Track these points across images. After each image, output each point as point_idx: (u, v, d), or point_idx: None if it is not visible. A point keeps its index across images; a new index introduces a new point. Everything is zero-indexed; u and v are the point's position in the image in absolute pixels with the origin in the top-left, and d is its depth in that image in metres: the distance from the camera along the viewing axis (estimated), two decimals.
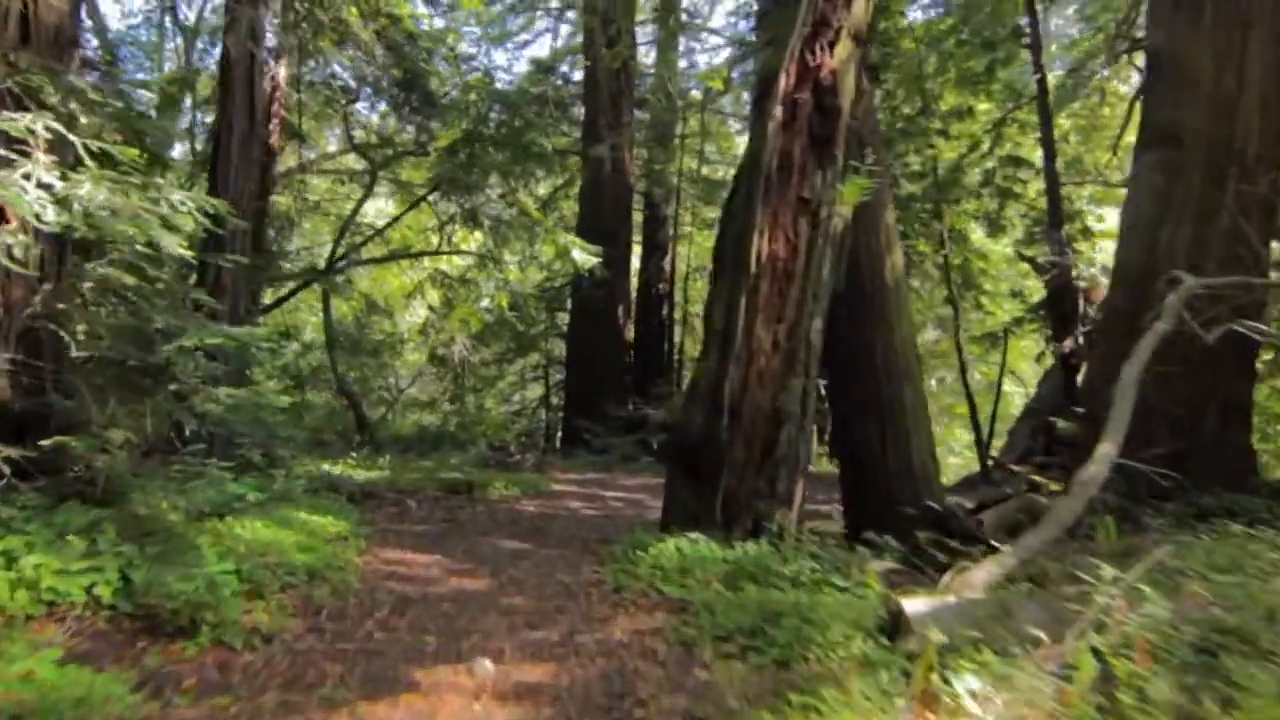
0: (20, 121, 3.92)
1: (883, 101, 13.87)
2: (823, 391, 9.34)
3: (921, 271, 17.19)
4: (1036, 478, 5.39)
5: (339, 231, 15.07)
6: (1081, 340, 12.49)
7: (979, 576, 3.81)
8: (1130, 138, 13.72)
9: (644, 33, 20.07)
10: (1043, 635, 3.00)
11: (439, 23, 15.98)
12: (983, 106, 15.65)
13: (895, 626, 3.39)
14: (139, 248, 4.17)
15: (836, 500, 9.82)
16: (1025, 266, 16.01)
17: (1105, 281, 11.80)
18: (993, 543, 4.41)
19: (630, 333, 17.69)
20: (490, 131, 13.20)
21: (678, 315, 19.11)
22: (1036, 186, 15.14)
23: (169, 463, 4.83)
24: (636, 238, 18.96)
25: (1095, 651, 2.80)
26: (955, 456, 20.63)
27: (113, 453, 5.09)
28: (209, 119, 13.42)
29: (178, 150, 16.32)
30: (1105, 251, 14.58)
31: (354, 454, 11.63)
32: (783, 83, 6.12)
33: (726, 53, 20.04)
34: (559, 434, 17.72)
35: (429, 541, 6.44)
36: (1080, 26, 16.96)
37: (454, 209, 14.41)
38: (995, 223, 15.76)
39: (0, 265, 4.14)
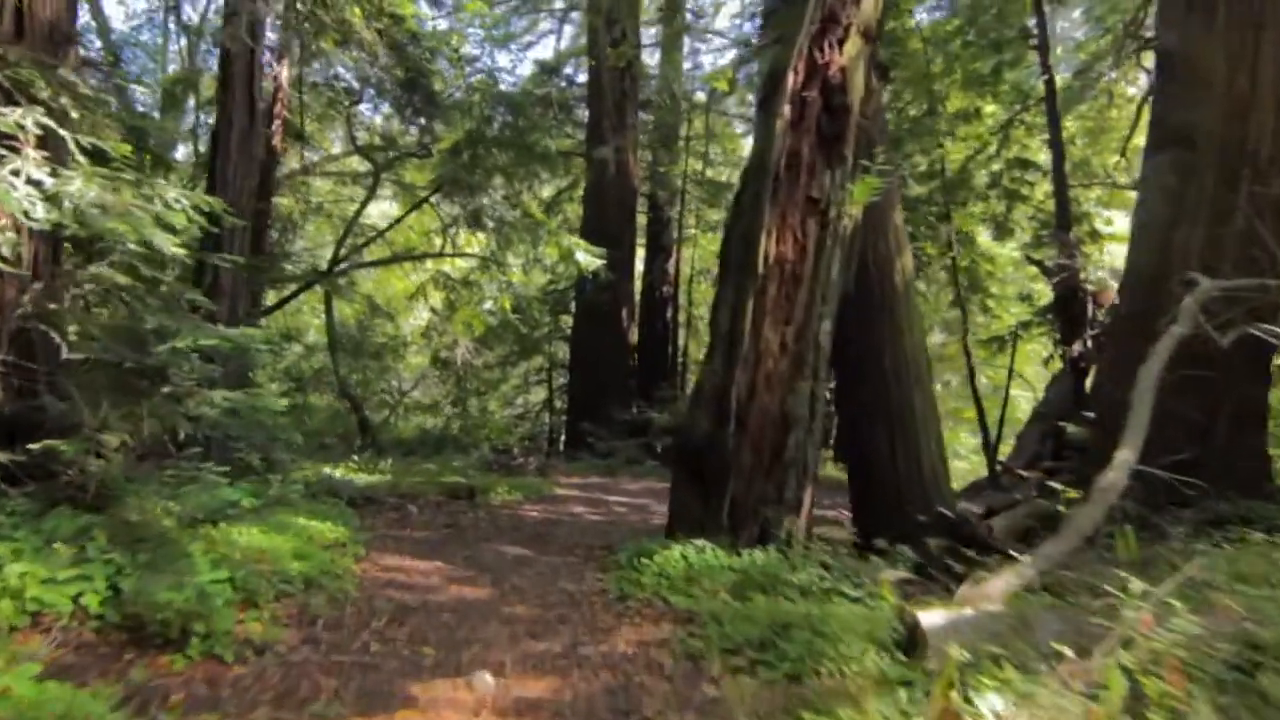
0: (10, 116, 3.81)
1: (890, 103, 13.75)
2: (828, 395, 9.22)
3: (927, 274, 17.05)
4: (1054, 484, 5.25)
5: (342, 233, 14.97)
6: (1090, 344, 12.35)
7: (996, 587, 3.67)
8: (1139, 140, 13.62)
9: (648, 35, 19.99)
10: (1068, 651, 2.87)
11: (443, 24, 15.91)
12: (989, 109, 15.53)
13: (912, 640, 3.26)
14: (132, 246, 4.05)
15: (841, 506, 9.71)
16: (1033, 270, 15.87)
17: (1114, 284, 11.66)
18: (1011, 552, 4.28)
19: (634, 336, 17.56)
20: (494, 132, 13.09)
21: (682, 318, 18.97)
22: (1044, 189, 15.01)
23: (162, 467, 4.72)
24: (640, 240, 18.84)
25: (1123, 669, 2.67)
26: (960, 461, 20.44)
27: (108, 457, 5.00)
28: (213, 120, 13.33)
29: (181, 152, 16.27)
30: (1113, 254, 14.45)
31: (355, 457, 11.53)
32: (791, 80, 6.01)
33: (731, 54, 19.96)
34: (562, 437, 17.60)
35: (429, 548, 6.33)
36: (1085, 30, 16.85)
37: (457, 211, 14.31)
38: (1002, 225, 15.63)
39: None
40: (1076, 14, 17.85)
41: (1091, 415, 9.52)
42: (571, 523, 8.40)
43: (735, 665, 3.55)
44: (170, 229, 3.98)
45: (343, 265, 14.35)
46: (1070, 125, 15.67)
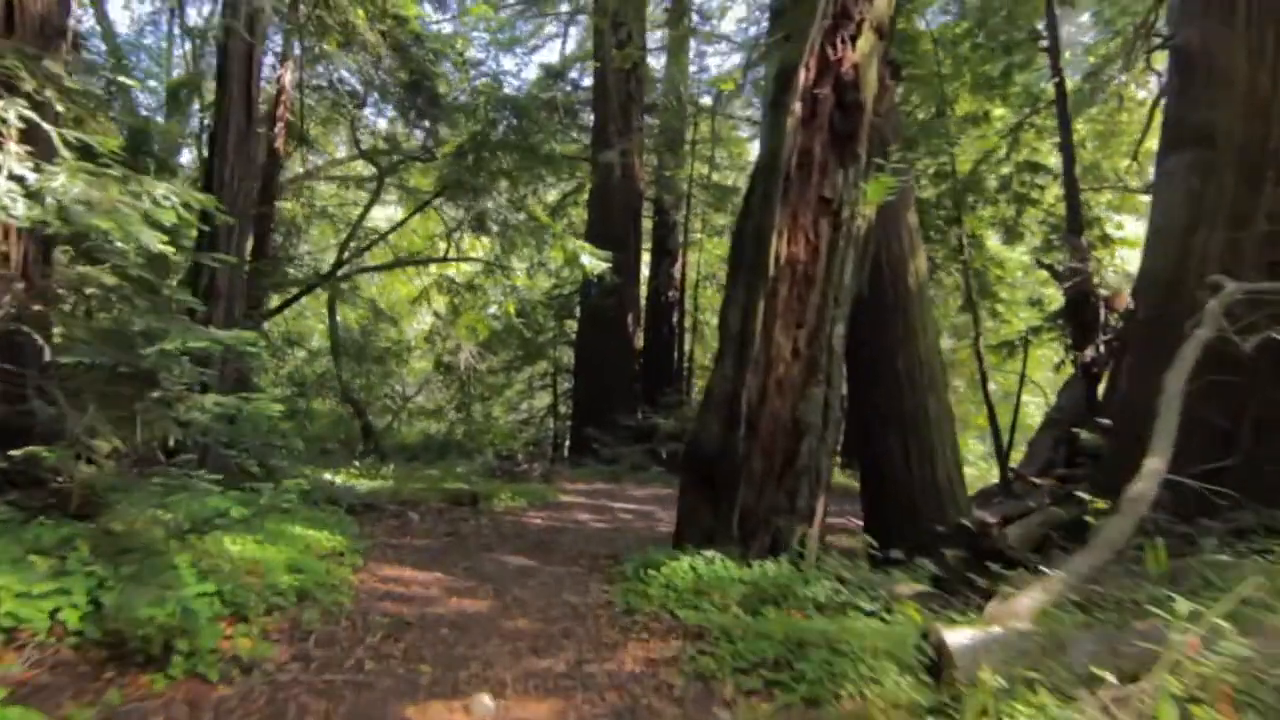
0: None
1: (899, 104, 13.56)
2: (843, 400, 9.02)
3: (936, 279, 16.85)
4: (1081, 493, 5.04)
5: (345, 237, 14.84)
6: (1103, 349, 12.14)
7: (1024, 604, 3.47)
8: (1150, 143, 13.43)
9: (654, 39, 19.86)
10: (1108, 675, 2.68)
11: (447, 28, 15.81)
12: (998, 112, 15.35)
13: (938, 662, 3.06)
14: (120, 244, 3.89)
15: (850, 513, 9.50)
16: (1043, 274, 15.66)
17: (1128, 289, 11.46)
18: (1040, 566, 4.08)
19: (639, 341, 17.39)
20: (498, 135, 12.95)
21: (688, 323, 18.79)
22: (1054, 192, 14.82)
23: (148, 474, 4.55)
24: (646, 245, 18.69)
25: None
26: (968, 467, 20.16)
27: (99, 463, 4.84)
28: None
29: (186, 157, 16.16)
30: (1125, 259, 14.24)
31: (357, 463, 11.37)
32: (802, 77, 5.84)
33: (737, 59, 19.82)
34: (567, 443, 17.42)
35: (430, 557, 6.14)
36: (1093, 34, 16.69)
37: (461, 214, 14.18)
38: (1012, 229, 15.44)
39: None
40: (1084, 18, 17.67)
41: (1106, 422, 9.33)
42: (576, 530, 8.22)
43: (749, 687, 3.35)
44: (159, 227, 3.81)
45: (345, 269, 14.20)
46: (1080, 128, 15.49)
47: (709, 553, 5.11)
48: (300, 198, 16.25)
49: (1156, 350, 7.42)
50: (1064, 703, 2.63)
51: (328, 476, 9.04)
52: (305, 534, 5.39)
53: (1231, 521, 5.81)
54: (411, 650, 3.84)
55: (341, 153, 17.95)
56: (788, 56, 6.08)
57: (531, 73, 29.92)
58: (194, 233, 6.68)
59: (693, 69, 20.05)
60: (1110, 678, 2.69)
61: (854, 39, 5.97)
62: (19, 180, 3.58)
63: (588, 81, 18.51)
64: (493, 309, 18.52)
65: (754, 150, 20.04)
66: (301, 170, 16.66)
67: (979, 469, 19.32)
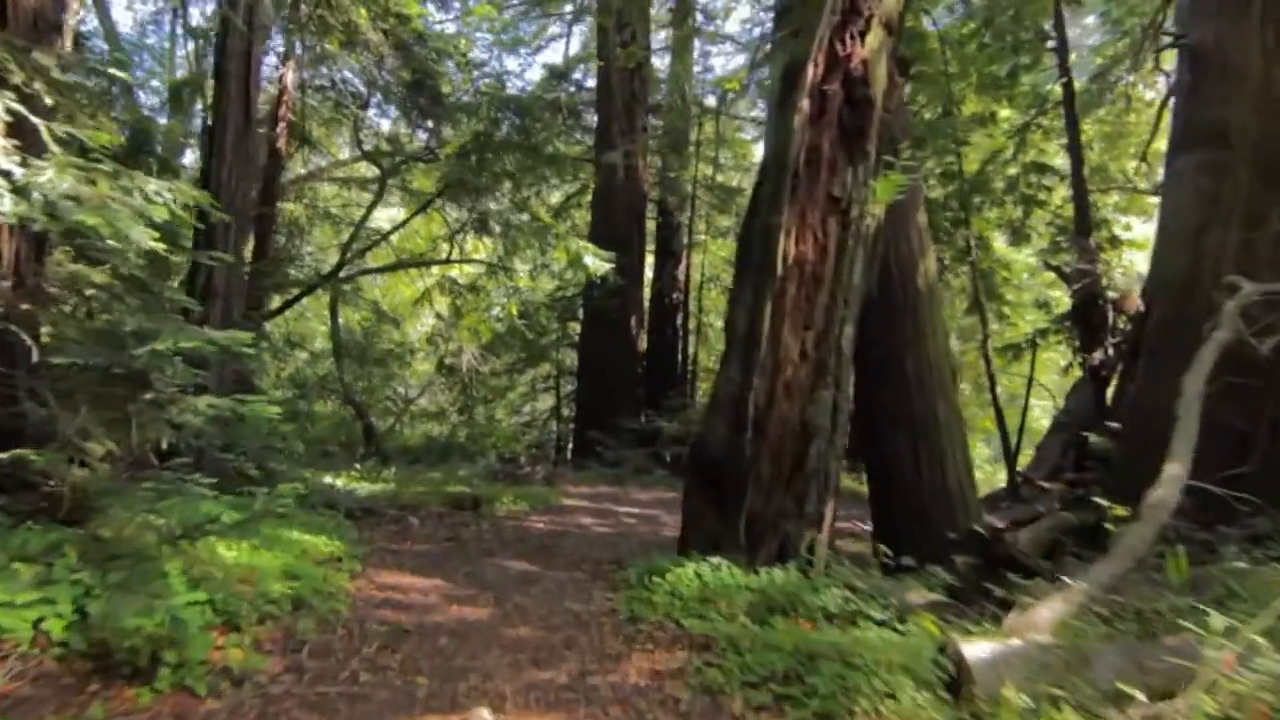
0: None
1: (906, 103, 13.43)
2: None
3: (941, 280, 16.70)
4: (1096, 499, 4.91)
5: (347, 238, 14.74)
6: (1112, 352, 12.01)
7: (1044, 615, 3.34)
8: (1158, 145, 13.29)
9: (658, 40, 19.76)
10: (1138, 694, 2.55)
11: (451, 28, 15.72)
12: (1004, 113, 15.22)
13: (958, 677, 2.94)
14: (110, 242, 3.78)
15: (856, 518, 9.37)
16: (1049, 276, 15.52)
17: (1137, 291, 11.34)
18: (1058, 575, 3.95)
19: (643, 343, 17.27)
20: (501, 135, 12.83)
21: (691, 325, 18.68)
22: (1061, 194, 14.69)
23: (140, 478, 4.44)
24: (650, 246, 18.57)
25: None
26: (975, 471, 20.02)
27: (94, 466, 4.72)
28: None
29: (190, 158, 16.10)
30: (1133, 261, 14.11)
31: (359, 466, 11.26)
32: (810, 73, 5.72)
33: (741, 59, 19.71)
34: (570, 446, 17.29)
35: (429, 563, 6.02)
36: (1099, 35, 16.56)
37: (464, 215, 14.07)
38: (1019, 231, 15.31)
39: None
40: (1090, 20, 17.54)
41: (1116, 425, 9.18)
42: (579, 535, 8.09)
43: (758, 702, 3.23)
44: (153, 224, 3.70)
45: (346, 269, 14.10)
46: (1088, 129, 15.36)
47: (715, 559, 4.98)
48: (303, 199, 16.17)
49: (1170, 352, 7.30)
50: None
51: (328, 480, 8.92)
52: (302, 539, 5.27)
53: (1249, 527, 5.67)
54: (409, 661, 3.72)
55: (344, 154, 17.89)
56: (795, 53, 5.96)
57: (535, 73, 29.83)
58: (192, 232, 6.58)
59: (697, 69, 19.97)
60: (1139, 695, 2.57)
61: (863, 34, 5.85)
62: (5, 175, 3.47)
63: (591, 82, 18.41)
64: (495, 311, 18.40)
65: (758, 151, 19.94)
66: (304, 171, 16.59)
67: (985, 472, 19.16)
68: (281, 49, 13.30)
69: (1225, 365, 5.52)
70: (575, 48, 20.99)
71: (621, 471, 13.99)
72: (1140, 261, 13.46)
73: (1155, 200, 14.14)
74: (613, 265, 10.89)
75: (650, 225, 18.59)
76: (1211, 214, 7.40)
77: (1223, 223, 7.32)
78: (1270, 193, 6.98)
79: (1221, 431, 6.18)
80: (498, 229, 13.62)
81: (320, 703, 3.14)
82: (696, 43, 19.42)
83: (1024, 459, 13.71)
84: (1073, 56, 15.41)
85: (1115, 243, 14.21)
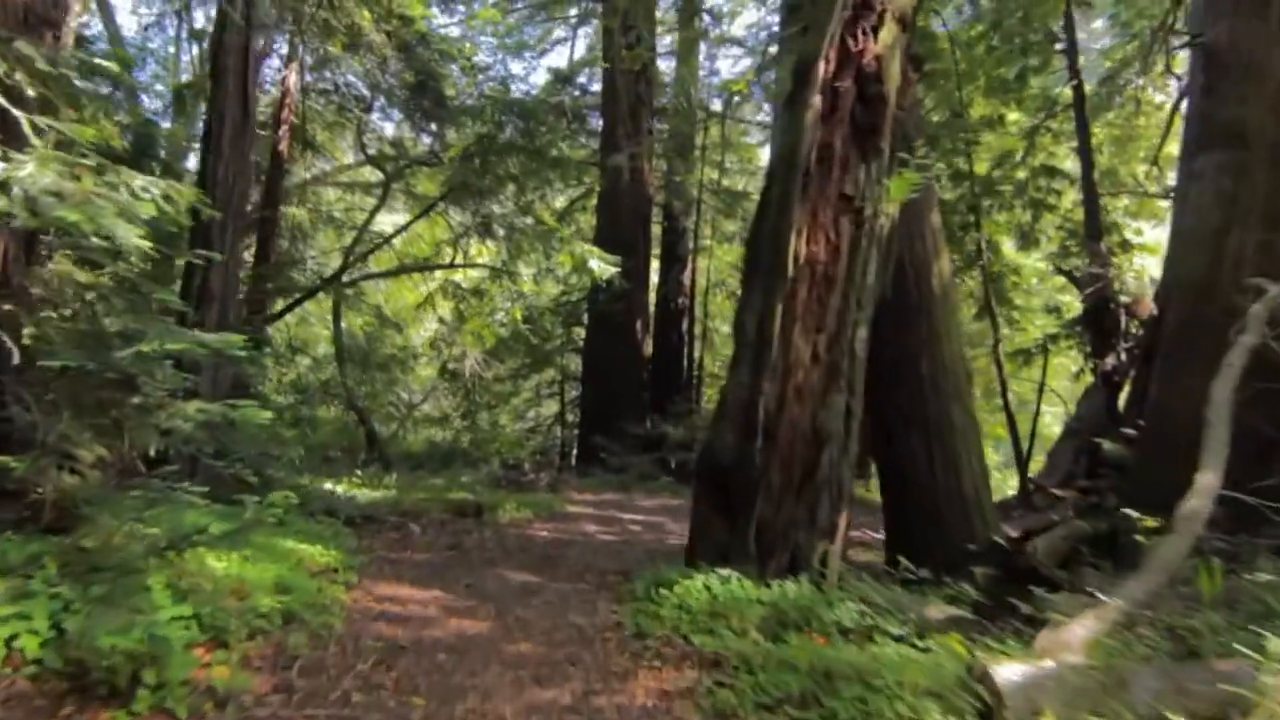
0: None
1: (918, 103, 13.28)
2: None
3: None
4: (1124, 510, 4.71)
5: (350, 242, 14.63)
6: (1124, 357, 11.81)
7: (1077, 634, 3.16)
8: (1170, 148, 13.11)
9: (664, 43, 19.66)
10: None
11: (455, 32, 15.62)
12: (1012, 116, 15.06)
13: (991, 703, 2.75)
14: (95, 240, 3.62)
15: (867, 526, 9.17)
16: (1059, 281, 15.34)
17: (1149, 295, 11.15)
18: (1084, 588, 3.77)
19: (648, 348, 17.10)
20: (505, 138, 12.71)
21: (697, 330, 18.51)
22: (1071, 197, 14.51)
23: (126, 486, 4.28)
24: (655, 250, 18.42)
25: None
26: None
27: (84, 474, 4.57)
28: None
29: (193, 161, 16.01)
30: (1145, 265, 13.89)
31: (360, 472, 11.10)
32: (822, 70, 5.56)
33: (748, 62, 19.55)
34: (574, 452, 17.11)
35: (429, 573, 5.85)
36: (1108, 39, 16.40)
37: (468, 219, 13.94)
38: (1028, 235, 15.12)
39: None
40: (1099, 23, 17.37)
41: (1130, 431, 8.97)
42: (583, 543, 7.91)
43: None
44: (134, 221, 3.54)
45: (349, 273, 13.98)
46: (1097, 132, 15.19)
47: (724, 570, 4.80)
48: (306, 203, 16.06)
49: (1188, 355, 7.12)
50: None
51: (328, 486, 8.77)
52: (297, 549, 5.11)
53: (1276, 538, 5.48)
54: (404, 679, 3.54)
55: (348, 158, 17.78)
56: (805, 50, 5.80)
57: (540, 77, 29.77)
58: (188, 231, 6.43)
59: (703, 73, 19.84)
60: None
61: (876, 30, 5.69)
62: None
63: (596, 86, 18.29)
64: (499, 315, 18.25)
65: (764, 156, 19.79)
66: (307, 175, 16.49)
67: (995, 479, 18.88)
68: (284, 52, 13.21)
69: (1250, 370, 5.35)
70: (580, 51, 20.89)
71: (626, 478, 13.82)
72: (1152, 266, 13.26)
73: (1166, 204, 13.96)
74: (618, 269, 10.73)
75: (655, 229, 18.45)
76: (1230, 215, 7.26)
77: (1241, 223, 7.18)
78: None
79: (1246, 437, 5.99)
80: (502, 233, 13.49)
81: None
82: (702, 46, 19.27)
83: (1035, 465, 13.50)
84: (1081, 59, 15.26)
85: (1126, 247, 14.00)
